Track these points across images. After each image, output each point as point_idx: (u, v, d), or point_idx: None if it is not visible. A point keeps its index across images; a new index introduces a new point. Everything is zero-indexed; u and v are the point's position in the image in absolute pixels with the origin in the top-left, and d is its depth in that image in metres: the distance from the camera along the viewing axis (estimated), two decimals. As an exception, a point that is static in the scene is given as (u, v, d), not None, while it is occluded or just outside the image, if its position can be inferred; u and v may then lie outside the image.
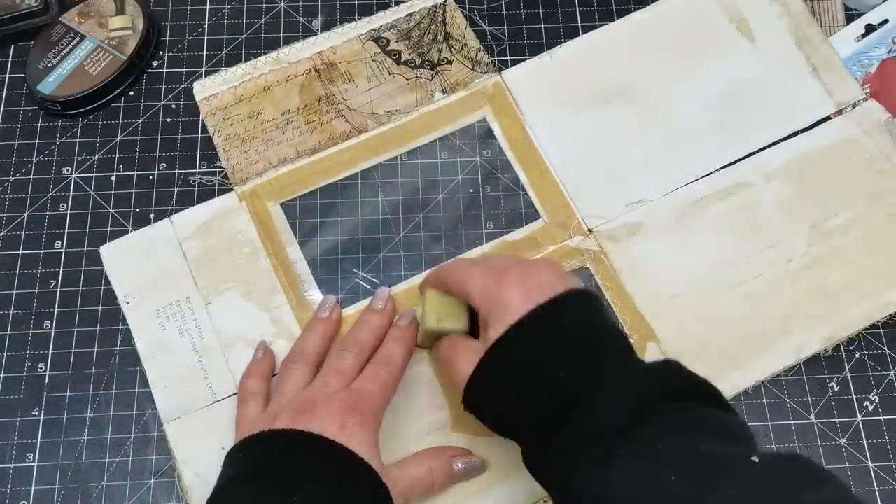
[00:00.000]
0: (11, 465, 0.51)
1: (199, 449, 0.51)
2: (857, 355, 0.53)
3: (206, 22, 0.63)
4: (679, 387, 0.40)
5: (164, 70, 0.62)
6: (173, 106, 0.60)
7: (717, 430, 0.38)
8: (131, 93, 0.61)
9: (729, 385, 0.51)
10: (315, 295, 0.54)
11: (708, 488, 0.34)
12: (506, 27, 0.62)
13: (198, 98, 0.59)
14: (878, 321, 0.52)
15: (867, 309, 0.52)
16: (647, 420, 0.37)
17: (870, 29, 0.61)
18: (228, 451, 0.45)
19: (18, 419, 0.52)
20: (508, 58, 0.61)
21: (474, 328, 0.46)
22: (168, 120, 0.60)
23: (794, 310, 0.53)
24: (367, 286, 0.55)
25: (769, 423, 0.52)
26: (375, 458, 0.44)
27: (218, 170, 0.58)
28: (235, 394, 0.51)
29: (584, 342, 0.41)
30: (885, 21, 0.61)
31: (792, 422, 0.52)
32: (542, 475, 0.42)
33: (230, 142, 0.58)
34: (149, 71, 0.61)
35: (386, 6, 0.62)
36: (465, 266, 0.46)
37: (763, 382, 0.52)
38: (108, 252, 0.55)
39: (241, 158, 0.58)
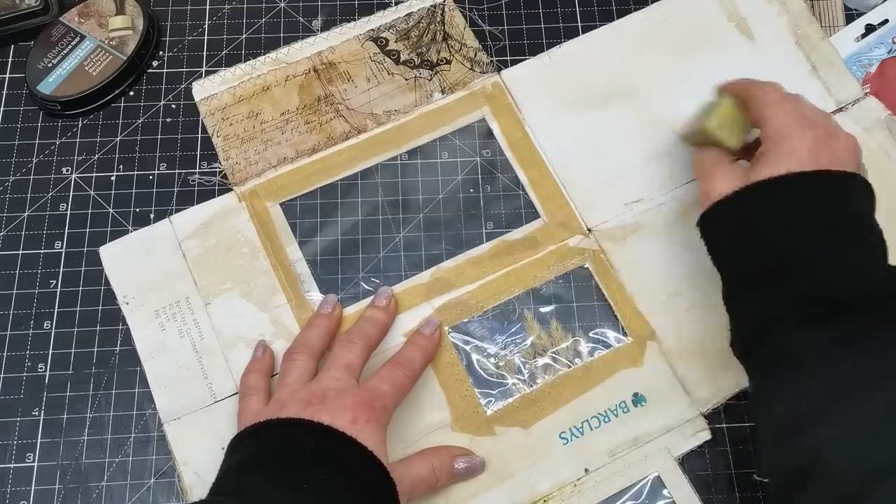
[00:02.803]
0: (11, 465, 0.51)
1: (199, 449, 0.51)
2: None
3: (206, 22, 0.63)
4: None
5: (164, 70, 0.62)
6: (173, 106, 0.60)
7: None
8: (131, 93, 0.61)
9: (731, 383, 0.51)
10: (315, 295, 0.54)
11: None
12: (505, 27, 0.62)
13: (197, 98, 0.59)
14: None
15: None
16: (879, 309, 0.39)
17: (870, 29, 0.61)
18: (232, 439, 0.45)
19: (18, 419, 0.52)
20: (508, 58, 0.61)
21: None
22: (168, 120, 0.60)
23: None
24: (367, 286, 0.55)
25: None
26: (384, 455, 0.44)
27: (217, 170, 0.58)
28: (236, 394, 0.51)
29: (846, 223, 0.42)
30: (885, 21, 0.61)
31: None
32: (740, 312, 0.44)
33: (229, 142, 0.58)
34: (149, 71, 0.62)
35: (385, 6, 0.62)
36: (777, 97, 0.46)
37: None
38: (107, 252, 0.55)
39: (240, 159, 0.58)
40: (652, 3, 0.62)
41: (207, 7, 0.64)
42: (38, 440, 0.52)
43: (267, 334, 0.53)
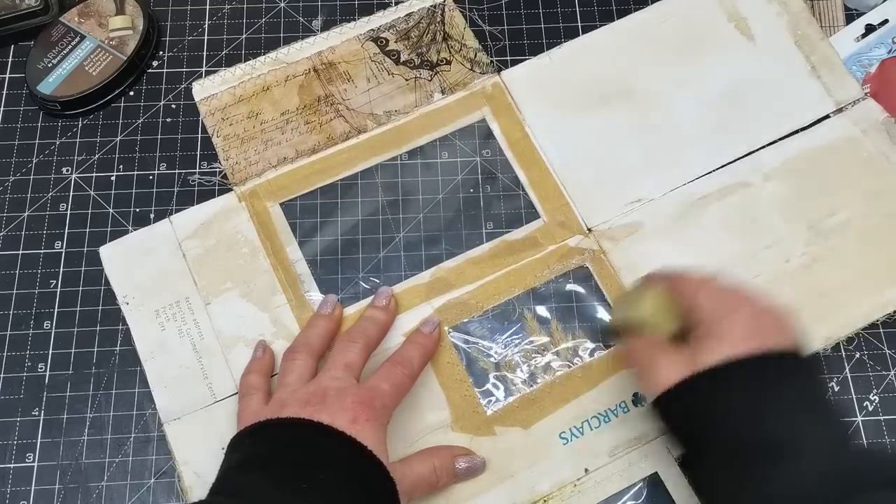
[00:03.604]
0: (11, 465, 0.51)
1: (200, 449, 0.51)
2: (857, 355, 0.53)
3: (206, 22, 0.63)
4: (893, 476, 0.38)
5: (164, 70, 0.62)
6: (173, 106, 0.60)
7: None
8: (131, 93, 0.61)
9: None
10: (315, 295, 0.54)
11: None
12: (506, 27, 0.62)
13: (197, 98, 0.59)
14: (878, 320, 0.52)
15: (866, 308, 0.52)
16: (857, 499, 0.37)
17: (870, 29, 0.61)
18: (232, 438, 0.45)
19: (18, 419, 0.52)
20: (508, 58, 0.61)
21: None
22: (168, 120, 0.60)
23: (791, 308, 0.53)
24: (366, 286, 0.55)
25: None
26: (384, 455, 0.44)
27: (217, 170, 0.58)
28: (236, 394, 0.51)
29: (800, 405, 0.41)
30: (885, 21, 0.62)
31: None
32: (705, 484, 0.43)
33: (229, 142, 0.58)
34: (149, 71, 0.62)
35: (385, 6, 0.62)
36: (703, 279, 0.46)
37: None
38: (107, 252, 0.55)
39: (240, 159, 0.58)
40: (652, 3, 0.62)
41: (207, 7, 0.64)
42: (38, 440, 0.52)
43: (267, 334, 0.53)
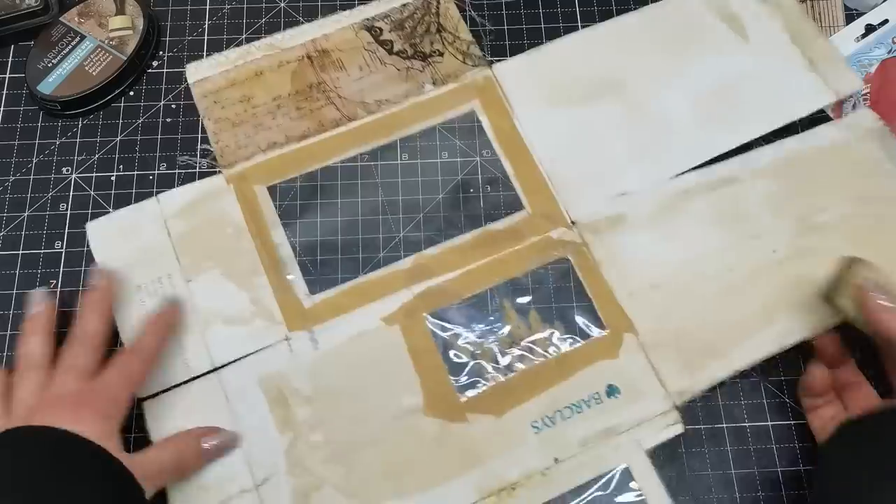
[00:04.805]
0: None
1: (175, 427, 0.51)
2: (857, 356, 0.52)
3: (206, 22, 0.63)
4: None
5: (164, 70, 0.62)
6: (173, 106, 0.61)
7: None
8: (131, 93, 0.61)
9: (707, 376, 0.51)
10: (297, 277, 0.54)
11: None
12: (505, 27, 0.63)
13: (191, 81, 0.60)
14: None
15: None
16: None
17: (870, 29, 0.62)
18: None
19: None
20: (507, 53, 0.61)
21: None
22: (168, 120, 0.60)
23: (778, 298, 0.52)
24: (346, 274, 0.55)
25: (769, 423, 0.52)
26: (113, 446, 0.44)
27: (207, 151, 0.58)
28: (211, 370, 0.51)
29: None
30: (885, 21, 0.62)
31: (792, 422, 0.52)
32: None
33: (220, 125, 0.59)
34: (149, 71, 0.62)
35: (382, -1, 0.63)
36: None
37: (757, 377, 0.52)
38: (93, 228, 0.56)
39: (230, 142, 0.58)
40: (652, 2, 0.62)
41: (207, 7, 0.64)
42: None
43: (246, 313, 0.53)
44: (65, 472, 0.41)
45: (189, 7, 0.64)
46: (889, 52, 0.61)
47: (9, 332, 0.55)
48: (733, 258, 0.53)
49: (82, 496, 0.41)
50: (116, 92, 0.61)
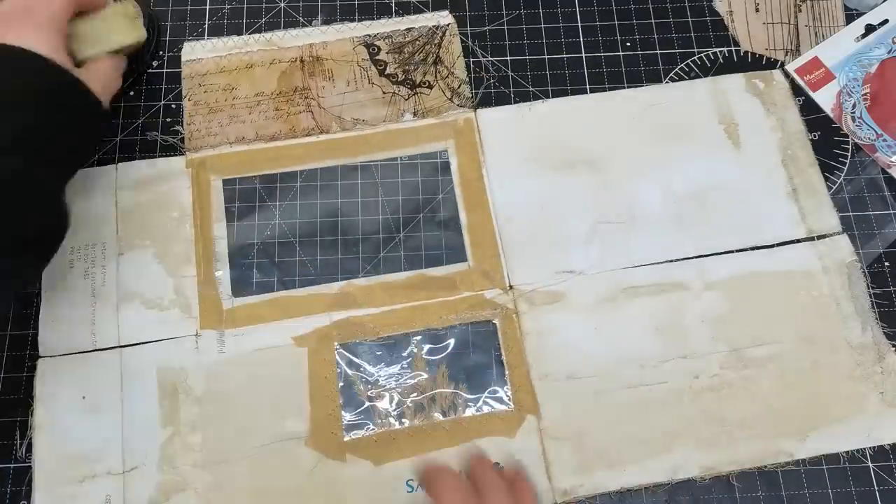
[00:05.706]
0: (11, 466, 0.51)
1: (63, 392, 0.51)
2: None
3: (206, 22, 0.63)
4: None
5: (164, 70, 0.61)
6: (173, 106, 0.60)
7: None
8: (131, 93, 0.61)
9: (594, 483, 0.49)
10: (224, 276, 0.54)
11: None
12: (510, 73, 0.61)
13: (183, 59, 0.60)
14: (766, 466, 0.49)
15: (758, 451, 0.49)
16: None
17: (870, 29, 0.61)
18: None
19: (18, 419, 0.52)
20: (493, 102, 0.60)
21: None
22: (168, 120, 0.60)
23: (683, 428, 0.50)
24: (274, 284, 0.54)
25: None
26: (60, 55, 0.47)
27: (176, 131, 0.58)
28: (114, 347, 0.51)
29: None
30: (885, 21, 0.61)
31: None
32: None
33: (198, 108, 0.59)
34: (149, 71, 0.61)
35: (383, 11, 0.62)
36: (448, 480, 0.45)
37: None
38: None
39: (201, 127, 0.58)
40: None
41: (207, 7, 0.64)
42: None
43: (165, 300, 0.53)
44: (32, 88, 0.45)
45: (189, 7, 0.63)
46: (889, 52, 0.60)
47: (9, 332, 0.54)
48: (655, 374, 0.51)
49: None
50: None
